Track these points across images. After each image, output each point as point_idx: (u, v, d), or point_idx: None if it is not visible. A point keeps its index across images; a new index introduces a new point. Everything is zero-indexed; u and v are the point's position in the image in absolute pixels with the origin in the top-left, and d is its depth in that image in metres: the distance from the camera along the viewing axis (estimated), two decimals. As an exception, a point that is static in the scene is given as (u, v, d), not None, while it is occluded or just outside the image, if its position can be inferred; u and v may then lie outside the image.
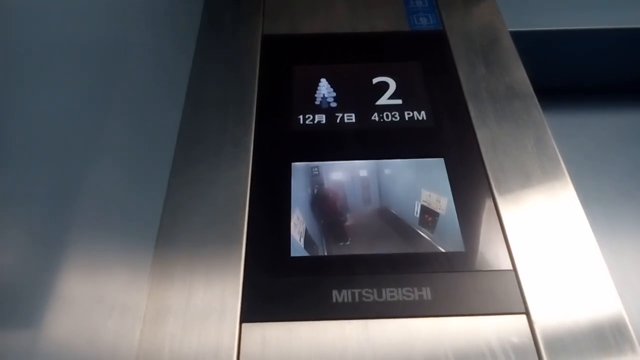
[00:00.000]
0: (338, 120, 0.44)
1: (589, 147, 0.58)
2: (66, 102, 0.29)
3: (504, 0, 0.54)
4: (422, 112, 0.45)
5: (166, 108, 0.46)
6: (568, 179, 0.41)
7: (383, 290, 0.35)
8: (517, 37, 0.51)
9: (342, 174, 0.41)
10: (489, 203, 0.39)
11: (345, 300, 0.34)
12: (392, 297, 0.34)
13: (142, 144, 0.41)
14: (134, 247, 0.39)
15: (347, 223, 0.38)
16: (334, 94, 0.46)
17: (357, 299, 0.34)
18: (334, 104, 0.46)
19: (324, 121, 0.44)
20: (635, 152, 0.58)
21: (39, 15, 0.27)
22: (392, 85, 0.47)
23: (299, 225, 0.38)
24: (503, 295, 0.34)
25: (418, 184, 0.40)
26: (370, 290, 0.35)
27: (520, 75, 0.48)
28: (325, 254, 0.37)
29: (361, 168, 0.41)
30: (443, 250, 0.37)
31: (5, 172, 0.23)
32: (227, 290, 0.35)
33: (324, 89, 0.47)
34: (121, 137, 0.37)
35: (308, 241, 0.37)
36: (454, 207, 0.39)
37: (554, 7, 0.60)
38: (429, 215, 0.38)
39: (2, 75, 0.23)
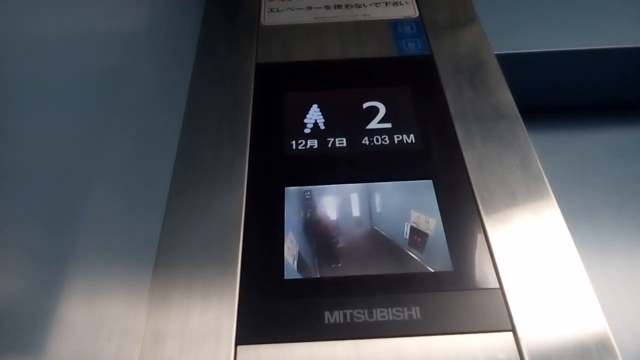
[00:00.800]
0: (330, 145, 0.46)
1: (575, 163, 0.59)
2: (66, 126, 0.30)
3: (490, 24, 0.56)
4: (411, 135, 0.46)
5: (164, 133, 0.47)
6: (552, 197, 0.42)
7: (374, 310, 0.36)
8: (503, 59, 0.53)
9: (333, 197, 0.42)
10: (476, 223, 0.40)
11: (338, 321, 0.35)
12: (382, 317, 0.35)
13: (140, 168, 0.42)
14: (133, 270, 0.40)
15: (339, 245, 0.39)
16: (326, 119, 0.48)
17: (348, 320, 0.35)
18: (325, 129, 0.47)
19: (316, 146, 0.46)
20: (620, 166, 0.60)
21: (37, 42, 0.28)
22: (382, 109, 0.48)
23: (292, 248, 0.39)
24: (490, 313, 0.35)
25: (407, 205, 0.42)
26: (361, 311, 0.36)
27: (505, 97, 0.49)
28: (318, 275, 0.38)
29: (352, 191, 0.42)
30: (432, 270, 0.38)
31: (5, 197, 0.24)
32: (223, 313, 0.36)
33: (316, 115, 0.48)
34: (120, 162, 0.38)
35: (301, 264, 0.38)
36: (442, 227, 0.40)
37: (537, 30, 0.62)
38: (418, 236, 0.40)
39: (1, 98, 0.24)
